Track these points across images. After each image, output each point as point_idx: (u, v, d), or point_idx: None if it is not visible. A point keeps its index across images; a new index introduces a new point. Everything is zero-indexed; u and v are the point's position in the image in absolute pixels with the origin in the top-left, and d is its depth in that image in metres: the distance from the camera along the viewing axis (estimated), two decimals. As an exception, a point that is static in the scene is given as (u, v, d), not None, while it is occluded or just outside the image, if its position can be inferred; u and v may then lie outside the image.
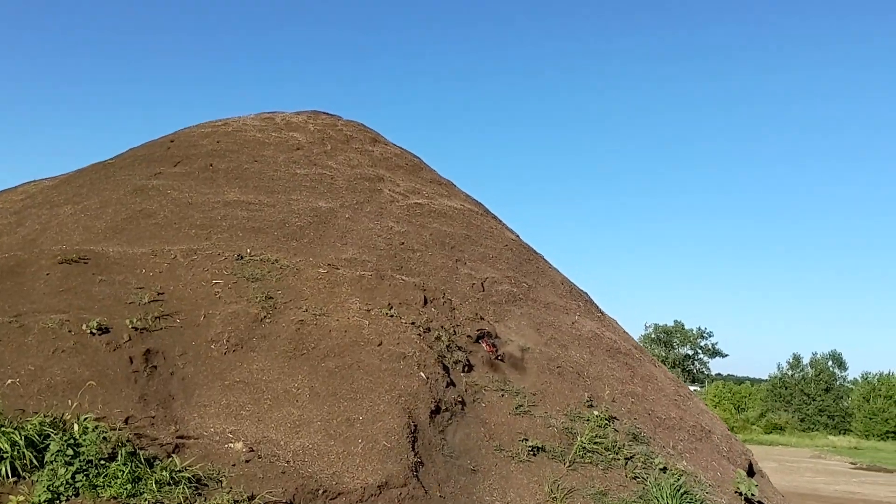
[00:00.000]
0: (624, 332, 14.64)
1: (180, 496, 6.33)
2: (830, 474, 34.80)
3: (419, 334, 9.54)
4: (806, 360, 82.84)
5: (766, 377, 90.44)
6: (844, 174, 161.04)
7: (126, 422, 7.35)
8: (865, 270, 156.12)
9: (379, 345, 9.05)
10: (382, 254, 11.72)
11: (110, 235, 11.35)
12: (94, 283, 9.40)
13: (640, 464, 9.03)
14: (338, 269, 10.76)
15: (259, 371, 8.58)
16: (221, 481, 6.71)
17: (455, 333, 10.12)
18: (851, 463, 46.48)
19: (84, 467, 6.37)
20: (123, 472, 6.36)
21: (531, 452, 8.65)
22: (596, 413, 9.57)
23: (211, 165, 13.81)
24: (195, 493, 6.46)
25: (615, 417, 9.81)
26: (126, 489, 6.26)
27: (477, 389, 9.37)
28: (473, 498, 7.94)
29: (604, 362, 11.50)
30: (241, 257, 10.56)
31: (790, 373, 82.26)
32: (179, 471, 6.59)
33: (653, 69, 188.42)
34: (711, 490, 9.26)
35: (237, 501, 6.46)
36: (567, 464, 8.62)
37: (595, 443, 9.04)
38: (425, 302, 10.43)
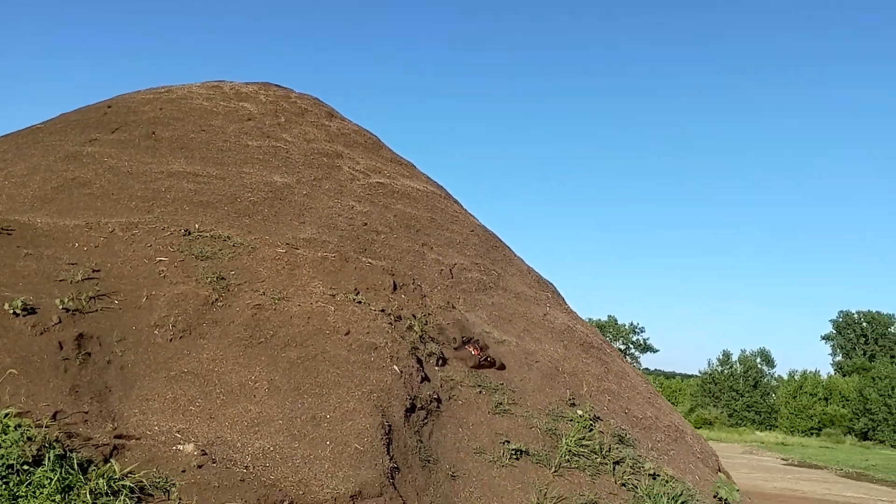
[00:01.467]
0: (591, 325, 14.00)
1: (121, 510, 5.32)
2: (766, 471, 35.21)
3: (390, 323, 8.63)
4: (735, 357, 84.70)
5: (694, 373, 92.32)
6: (778, 173, 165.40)
7: (54, 417, 6.27)
8: (792, 270, 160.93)
9: (346, 333, 8.11)
10: (344, 234, 10.75)
11: (38, 205, 10.09)
12: (18, 257, 8.20)
13: (628, 469, 8.34)
14: (297, 249, 9.75)
15: (210, 361, 7.55)
16: (170, 491, 5.71)
17: (427, 323, 9.24)
18: (783, 459, 47.43)
19: (3, 474, 5.29)
20: (51, 479, 5.31)
21: (514, 456, 7.86)
22: (580, 413, 8.84)
23: (153, 133, 12.57)
24: (139, 505, 5.46)
25: (599, 418, 9.10)
26: (54, 501, 5.21)
27: (453, 385, 8.53)
28: (454, 507, 7.10)
29: (578, 357, 10.80)
30: (189, 233, 9.46)
31: (720, 369, 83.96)
32: (119, 479, 5.56)
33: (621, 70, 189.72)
34: (701, 498, 8.63)
35: (190, 516, 5.48)
36: (553, 469, 7.86)
37: (581, 445, 8.30)
38: (395, 288, 9.52)
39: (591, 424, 8.75)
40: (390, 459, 6.84)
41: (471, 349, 9.19)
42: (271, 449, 6.63)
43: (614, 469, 8.27)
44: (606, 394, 10.29)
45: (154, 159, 11.68)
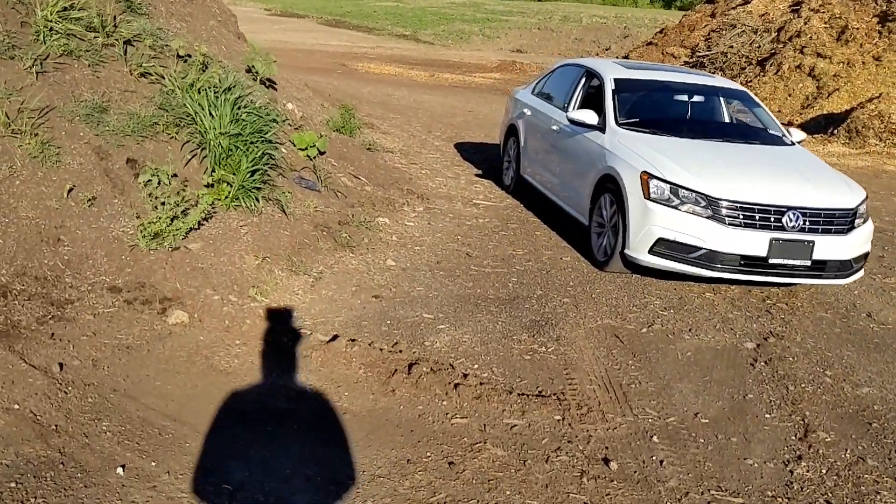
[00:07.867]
0: None
1: None
2: (253, 22, 34.17)
3: None
4: None
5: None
6: None
7: None
8: None
9: None
10: None
11: None
12: None
13: (147, 50, 5.66)
14: None
15: None
16: None
17: None
18: (266, 10, 47.03)
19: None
20: None
21: (-49, 44, 4.57)
22: (59, -34, 5.53)
23: None
24: None
25: (91, -28, 5.91)
26: None
27: None
28: None
29: None
30: None
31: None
32: None
33: None
34: (239, 76, 6.46)
35: None
36: (29, 62, 4.83)
37: (70, 20, 5.25)
38: None
39: (81, -16, 5.61)
40: None
41: None
42: None
43: (126, 52, 5.53)
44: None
45: None
